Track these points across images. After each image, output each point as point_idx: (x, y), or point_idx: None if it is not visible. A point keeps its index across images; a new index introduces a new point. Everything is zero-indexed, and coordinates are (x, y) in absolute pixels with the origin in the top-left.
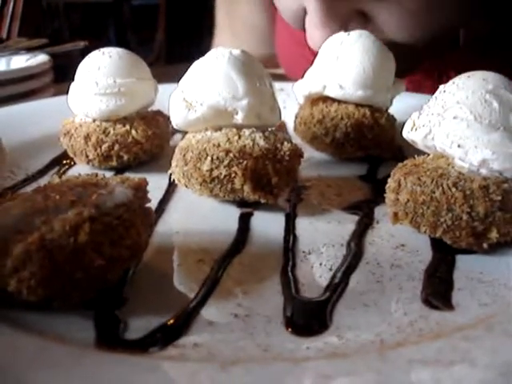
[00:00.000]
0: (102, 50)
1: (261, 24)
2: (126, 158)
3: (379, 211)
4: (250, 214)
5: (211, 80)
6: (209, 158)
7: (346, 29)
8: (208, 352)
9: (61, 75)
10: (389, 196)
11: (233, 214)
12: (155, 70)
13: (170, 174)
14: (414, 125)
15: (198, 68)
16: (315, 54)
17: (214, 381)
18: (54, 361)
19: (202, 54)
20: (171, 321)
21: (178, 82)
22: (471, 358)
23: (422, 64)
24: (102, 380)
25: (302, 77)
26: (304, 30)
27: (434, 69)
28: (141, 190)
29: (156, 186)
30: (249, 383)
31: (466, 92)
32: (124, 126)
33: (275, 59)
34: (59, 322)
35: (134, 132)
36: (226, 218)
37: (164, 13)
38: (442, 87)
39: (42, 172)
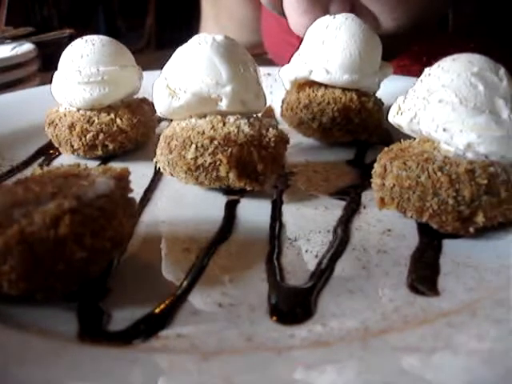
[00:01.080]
0: (85, 37)
1: (247, 15)
2: (111, 146)
3: (366, 196)
4: (237, 202)
5: (194, 67)
6: (193, 146)
7: (328, 11)
8: (191, 343)
9: (49, 63)
10: (375, 181)
11: (219, 201)
12: (145, 56)
13: (156, 163)
14: (400, 109)
15: (181, 55)
16: (302, 41)
17: (196, 371)
18: (36, 355)
19: None
20: (155, 311)
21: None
22: (454, 345)
23: (409, 49)
24: (84, 373)
25: (289, 62)
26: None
27: (422, 53)
28: (123, 180)
29: (141, 174)
30: (231, 373)
31: (451, 75)
32: (109, 114)
33: (262, 47)
34: (41, 314)
35: (118, 120)
36: (212, 206)
37: None
38: (427, 70)
39: (27, 163)
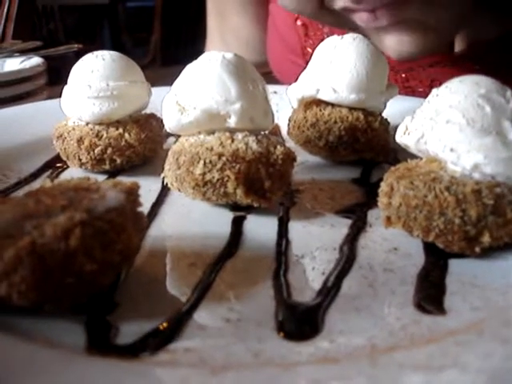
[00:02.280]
0: (96, 53)
1: (253, 36)
2: (118, 161)
3: (372, 215)
4: (243, 218)
5: (204, 83)
6: (201, 162)
7: None
8: (199, 357)
9: (55, 77)
10: (381, 200)
11: (226, 217)
12: (150, 72)
13: (163, 178)
14: (407, 129)
15: (191, 71)
16: (307, 61)
17: None
18: (43, 366)
19: (198, 55)
20: (163, 325)
21: (172, 84)
22: (462, 363)
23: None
24: None
25: (296, 81)
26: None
27: (427, 75)
28: (133, 194)
29: (149, 189)
30: None
31: (458, 96)
32: (117, 129)
33: (268, 66)
34: (50, 326)
35: (127, 135)
36: (219, 222)
37: (159, 14)
38: (434, 91)
39: (34, 175)
